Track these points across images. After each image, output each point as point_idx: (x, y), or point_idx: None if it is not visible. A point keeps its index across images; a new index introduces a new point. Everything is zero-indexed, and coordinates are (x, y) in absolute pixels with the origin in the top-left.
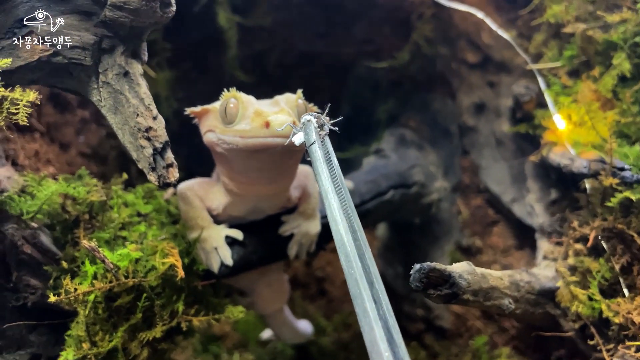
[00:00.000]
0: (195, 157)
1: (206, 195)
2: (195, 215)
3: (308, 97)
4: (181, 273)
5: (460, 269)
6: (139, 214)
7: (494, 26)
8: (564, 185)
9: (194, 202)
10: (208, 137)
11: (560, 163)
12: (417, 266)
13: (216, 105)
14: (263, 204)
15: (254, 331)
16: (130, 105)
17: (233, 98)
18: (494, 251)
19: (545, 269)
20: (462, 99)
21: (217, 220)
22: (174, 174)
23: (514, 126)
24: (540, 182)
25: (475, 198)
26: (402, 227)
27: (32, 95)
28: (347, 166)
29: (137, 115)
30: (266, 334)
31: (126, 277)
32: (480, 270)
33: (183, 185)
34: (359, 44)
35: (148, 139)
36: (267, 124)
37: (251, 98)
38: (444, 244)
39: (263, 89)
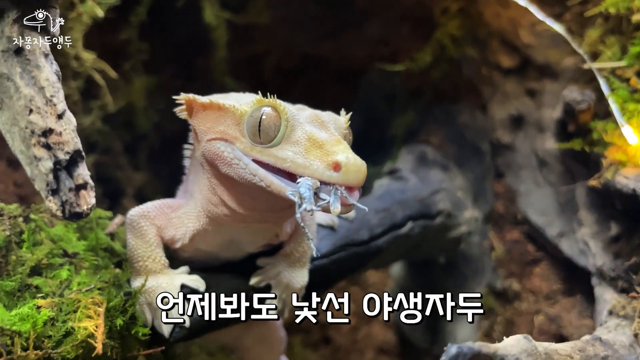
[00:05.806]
0: (179, 179)
1: (168, 222)
2: (146, 254)
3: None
4: (99, 349)
5: (516, 348)
6: (64, 254)
7: (540, 16)
8: (633, 217)
9: (148, 235)
10: (216, 148)
11: (636, 188)
12: (452, 349)
13: (233, 102)
14: (243, 238)
15: None
16: (21, 96)
17: (269, 107)
18: (535, 297)
19: (618, 333)
20: (495, 111)
21: (180, 254)
22: (88, 199)
23: (564, 142)
24: (597, 212)
25: (512, 231)
26: (422, 266)
27: None
28: None
29: (31, 111)
30: None
31: (25, 349)
32: (542, 346)
33: (135, 211)
34: (371, 46)
35: (47, 146)
36: (337, 166)
37: (294, 111)
38: (473, 286)
39: None
